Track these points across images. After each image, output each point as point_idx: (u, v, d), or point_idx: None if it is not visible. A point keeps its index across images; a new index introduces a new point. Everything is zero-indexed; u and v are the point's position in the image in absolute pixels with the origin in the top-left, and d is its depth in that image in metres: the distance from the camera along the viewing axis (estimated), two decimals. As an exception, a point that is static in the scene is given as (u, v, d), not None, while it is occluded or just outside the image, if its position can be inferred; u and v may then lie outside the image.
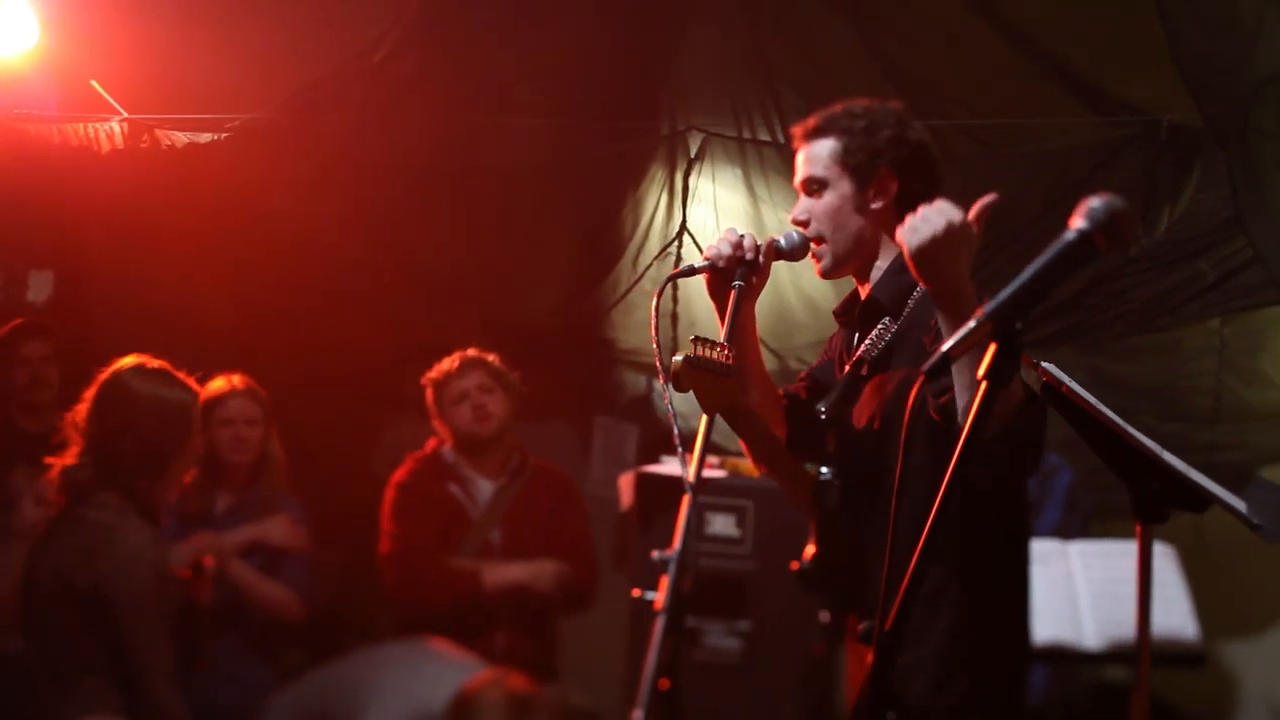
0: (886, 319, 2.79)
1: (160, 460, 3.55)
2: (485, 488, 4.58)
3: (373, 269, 5.57)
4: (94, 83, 5.30)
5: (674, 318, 5.52)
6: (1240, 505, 2.23)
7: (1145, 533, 2.28)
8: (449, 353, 4.77)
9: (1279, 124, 3.99)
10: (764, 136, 4.96)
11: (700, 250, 5.26)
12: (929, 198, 2.60)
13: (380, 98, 5.21)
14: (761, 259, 2.74)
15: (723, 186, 5.16)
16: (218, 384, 4.61)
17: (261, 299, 5.85)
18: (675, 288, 5.39)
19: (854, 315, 2.87)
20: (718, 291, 2.76)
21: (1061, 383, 2.25)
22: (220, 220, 5.43)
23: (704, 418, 2.50)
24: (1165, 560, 4.40)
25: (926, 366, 1.96)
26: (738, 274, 2.70)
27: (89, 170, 5.44)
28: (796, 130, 2.87)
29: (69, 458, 3.52)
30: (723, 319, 2.70)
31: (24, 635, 3.58)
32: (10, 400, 4.90)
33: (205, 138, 5.38)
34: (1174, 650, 4.23)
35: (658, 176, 5.18)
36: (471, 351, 4.61)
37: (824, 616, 3.33)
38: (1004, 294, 1.91)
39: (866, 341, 2.80)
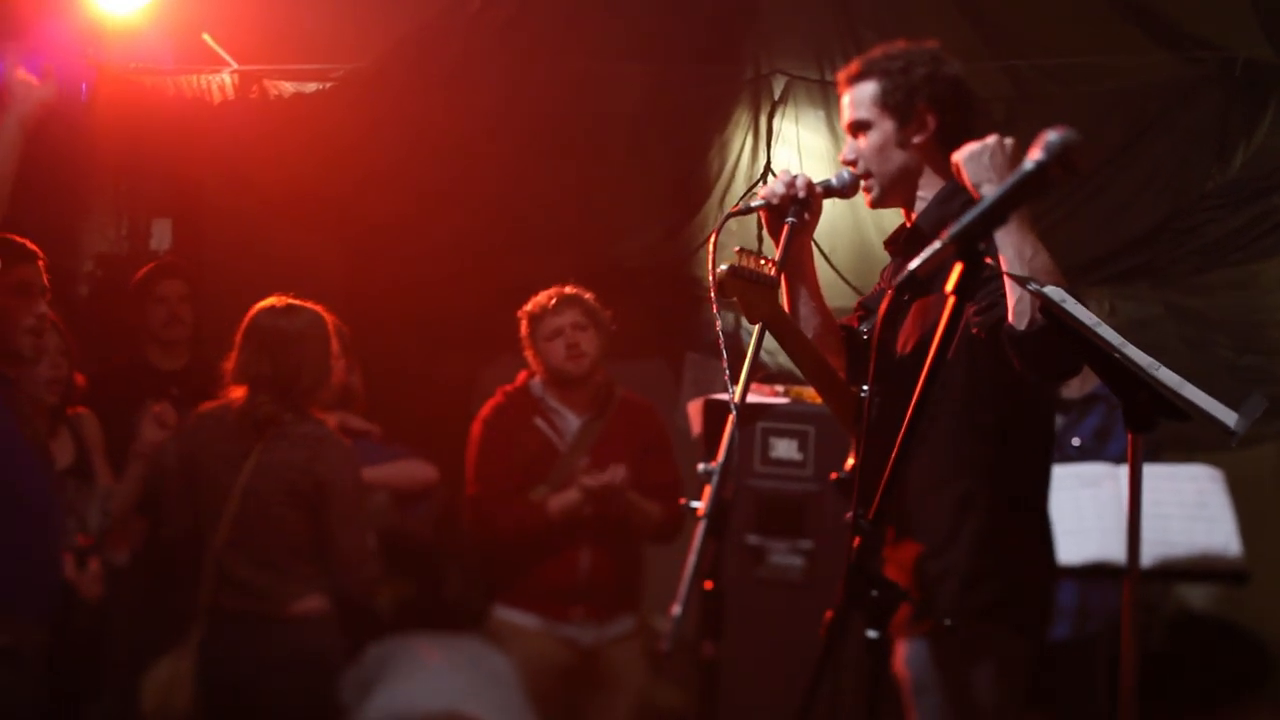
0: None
1: (320, 382, 4.09)
2: (573, 421, 4.68)
3: (471, 212, 5.71)
4: (206, 36, 5.54)
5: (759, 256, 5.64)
6: (1221, 413, 2.37)
7: (1135, 441, 2.43)
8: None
9: (1354, 59, 4.04)
10: (846, 79, 5.07)
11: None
12: (967, 129, 2.78)
13: (477, 46, 5.38)
14: (813, 197, 2.91)
15: (806, 129, 5.27)
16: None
17: (365, 243, 6.05)
18: (761, 229, 5.51)
19: (900, 244, 3.04)
20: (774, 228, 2.93)
21: (1057, 305, 2.39)
22: (326, 166, 5.60)
23: (754, 338, 2.68)
24: (1212, 483, 4.48)
25: (896, 282, 2.14)
26: (791, 211, 2.88)
27: (202, 121, 5.66)
28: (840, 76, 3.04)
29: (238, 395, 4.02)
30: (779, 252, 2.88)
31: (236, 538, 4.00)
32: (147, 337, 5.12)
33: (311, 87, 5.59)
34: (1218, 566, 4.34)
35: (743, 120, 5.29)
36: (568, 288, 4.67)
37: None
38: (967, 217, 2.09)
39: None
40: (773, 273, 2.73)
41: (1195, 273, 5.10)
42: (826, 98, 5.15)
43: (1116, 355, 2.35)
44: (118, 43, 5.81)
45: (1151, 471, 4.42)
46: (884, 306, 2.76)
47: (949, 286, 2.09)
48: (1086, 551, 4.16)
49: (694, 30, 5.21)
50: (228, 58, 5.66)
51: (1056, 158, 2.09)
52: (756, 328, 2.72)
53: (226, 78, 5.64)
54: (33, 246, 3.65)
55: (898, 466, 2.12)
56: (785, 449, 4.79)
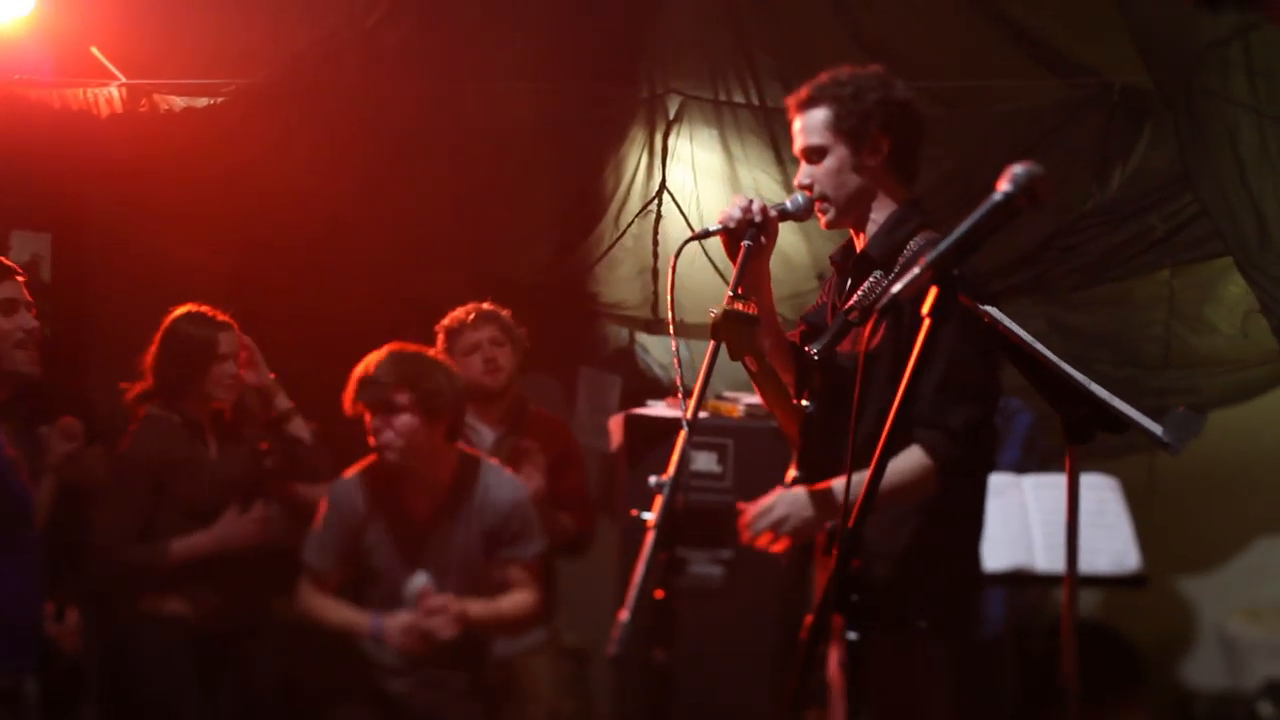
0: (878, 271, 3.06)
1: (186, 381, 4.27)
2: (487, 435, 4.74)
3: (366, 229, 5.71)
4: (94, 49, 5.46)
5: (654, 272, 5.73)
6: (1152, 426, 2.51)
7: (1073, 454, 2.57)
8: (440, 311, 4.95)
9: (1223, 85, 4.20)
10: (739, 99, 5.15)
11: (679, 208, 5.50)
12: (917, 150, 2.92)
13: (372, 62, 5.39)
14: (768, 220, 3.03)
15: (700, 147, 5.35)
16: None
17: (258, 259, 6.01)
18: (656, 246, 5.62)
19: (848, 265, 3.15)
20: (733, 250, 3.04)
21: (1001, 324, 2.52)
22: (217, 182, 5.56)
23: (705, 363, 2.79)
24: (1109, 490, 4.69)
25: (880, 305, 2.26)
26: (747, 234, 2.99)
27: (89, 134, 5.59)
28: (790, 102, 3.15)
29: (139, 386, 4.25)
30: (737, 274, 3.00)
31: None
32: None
33: (202, 102, 5.53)
34: (1116, 572, 4.54)
35: (638, 138, 5.36)
36: (486, 305, 4.74)
37: None
38: (942, 245, 2.25)
39: (859, 291, 3.08)
40: (754, 311, 2.85)
41: (1076, 289, 5.27)
42: (720, 117, 5.24)
43: (1060, 372, 2.48)
44: (-1, 54, 5.73)
45: (1053, 481, 4.61)
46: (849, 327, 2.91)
47: (925, 309, 2.24)
48: (997, 560, 4.31)
49: (590, 50, 5.26)
50: (115, 70, 5.59)
51: (1022, 189, 2.24)
52: (710, 348, 2.81)
53: (114, 91, 5.58)
54: (9, 263, 3.69)
55: (875, 478, 2.22)
56: (705, 462, 4.89)
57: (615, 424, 5.22)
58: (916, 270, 2.24)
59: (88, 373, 6.10)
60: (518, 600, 4.34)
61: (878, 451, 2.29)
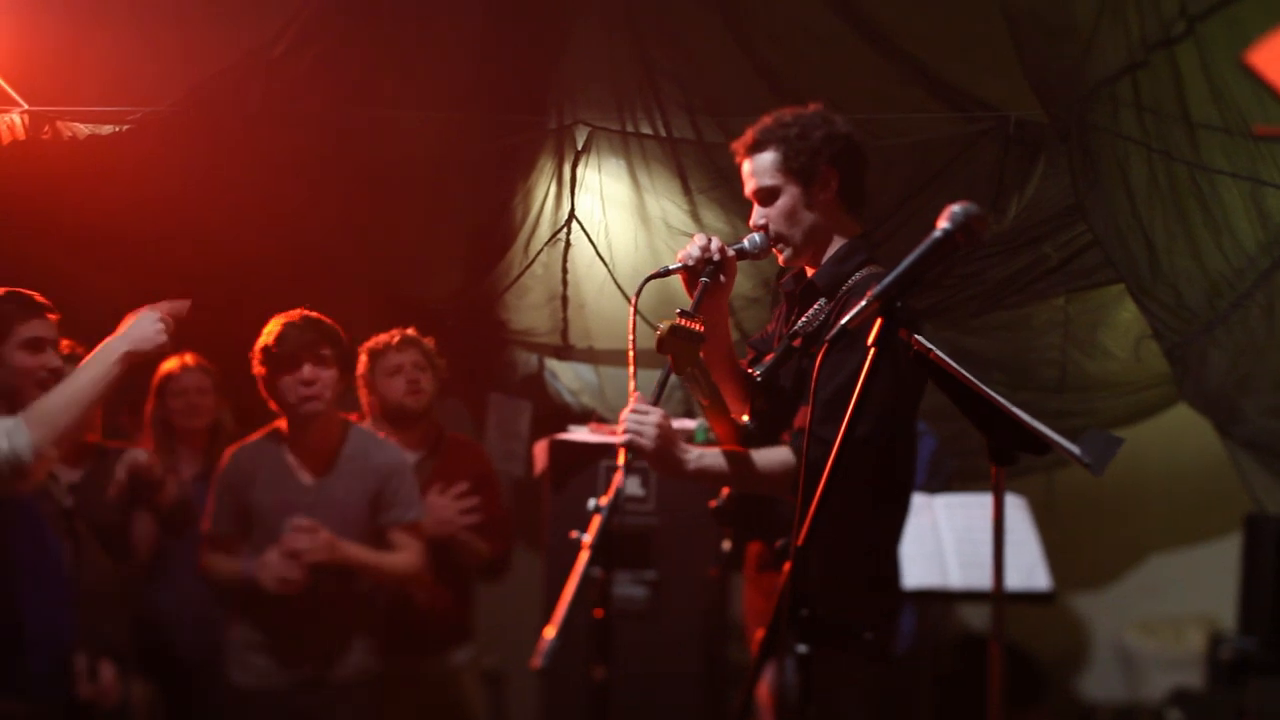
0: (823, 299, 3.16)
1: None
2: (406, 458, 4.80)
3: (273, 258, 5.70)
4: (-7, 75, 5.43)
5: (564, 300, 5.79)
6: (1072, 448, 2.62)
7: (999, 474, 2.68)
8: (353, 337, 4.96)
9: (1112, 121, 4.35)
10: (646, 130, 5.24)
11: (588, 236, 5.57)
12: (863, 182, 3.03)
13: (278, 92, 5.39)
14: (726, 260, 3.12)
15: (608, 176, 5.41)
16: (171, 363, 4.86)
17: (164, 287, 5.91)
18: (566, 274, 5.67)
19: (795, 293, 3.24)
20: (692, 287, 3.13)
21: (929, 350, 2.62)
22: (122, 210, 5.52)
23: (659, 380, 2.95)
24: (1017, 510, 4.82)
25: (829, 335, 2.42)
26: (705, 272, 3.08)
27: (-10, 160, 5.57)
28: (737, 146, 3.23)
29: None
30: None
31: None
32: None
33: (107, 129, 5.50)
34: (1026, 588, 4.67)
35: (546, 168, 5.41)
36: (410, 331, 4.83)
37: (725, 545, 3.75)
38: (888, 279, 2.43)
39: (804, 318, 3.18)
40: (700, 328, 2.97)
41: (976, 315, 5.40)
42: (628, 147, 5.31)
43: (985, 397, 2.58)
44: (-107, 81, 5.65)
45: (963, 500, 4.73)
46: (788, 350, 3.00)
47: (870, 339, 2.41)
48: (914, 578, 4.42)
49: (499, 80, 5.32)
50: (17, 97, 5.55)
51: (960, 227, 2.39)
52: (660, 374, 2.97)
53: (16, 118, 5.53)
54: (42, 300, 3.70)
55: (824, 498, 2.31)
56: (629, 486, 4.96)
57: (539, 450, 5.28)
58: (863, 303, 2.41)
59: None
60: (399, 559, 4.38)
61: (827, 469, 2.44)
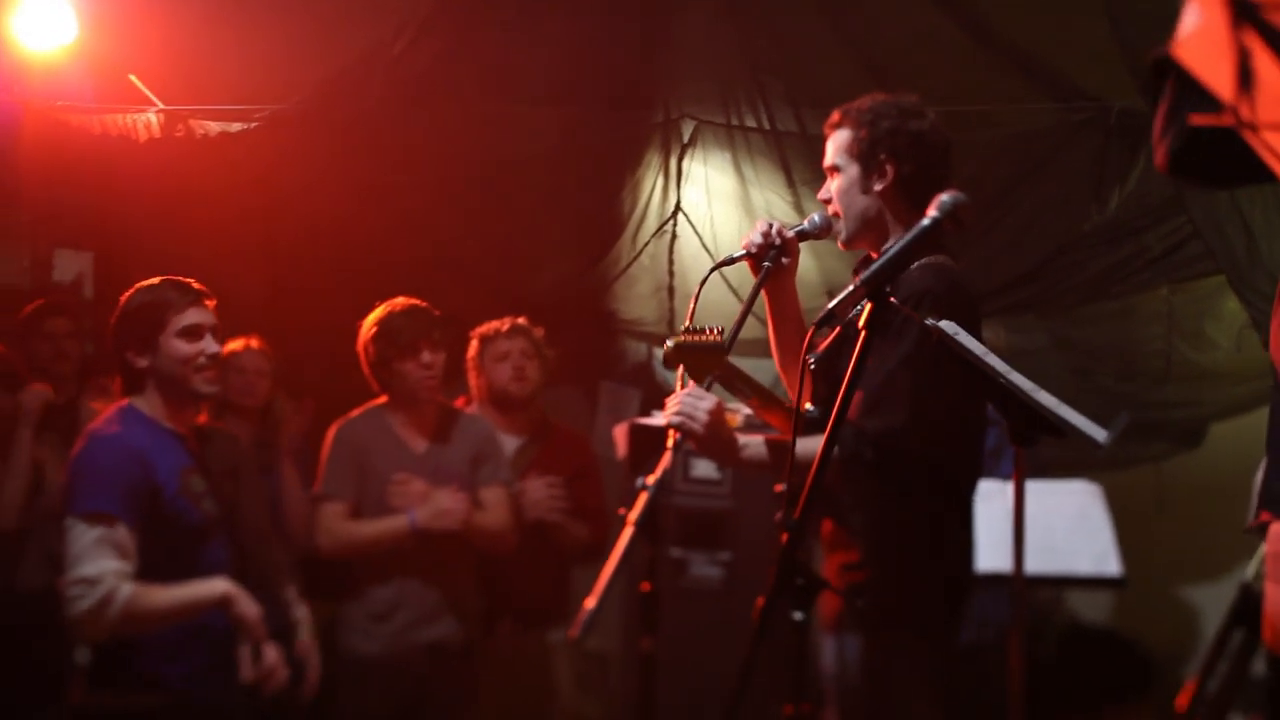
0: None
1: None
2: (509, 443, 4.93)
3: (391, 249, 5.90)
4: (132, 76, 5.66)
5: (670, 290, 5.91)
6: (1089, 429, 2.67)
7: (1019, 456, 2.75)
8: (464, 327, 5.15)
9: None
10: (750, 123, 5.33)
11: (694, 228, 5.68)
12: (930, 180, 3.09)
13: (398, 88, 5.58)
14: (787, 242, 3.20)
15: (713, 169, 5.52)
16: (235, 343, 5.07)
17: (289, 278, 6.18)
18: (672, 264, 5.80)
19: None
20: (758, 272, 3.20)
21: (949, 337, 2.70)
22: (251, 204, 5.78)
23: (677, 377, 3.03)
24: (1091, 497, 4.82)
25: (816, 321, 2.53)
26: (768, 256, 3.17)
27: (128, 158, 5.79)
28: (827, 122, 3.30)
29: None
30: (768, 299, 3.25)
31: None
32: (35, 372, 5.13)
33: (236, 127, 5.73)
34: (1096, 573, 4.69)
35: (653, 161, 5.54)
36: (521, 320, 4.95)
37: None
38: (876, 264, 2.48)
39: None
40: (717, 337, 3.01)
41: (1078, 305, 5.40)
42: (732, 141, 5.41)
43: (1002, 380, 2.65)
44: (40, 80, 5.94)
45: (1038, 487, 4.76)
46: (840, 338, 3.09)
47: (861, 322, 2.45)
48: (982, 563, 4.46)
49: (607, 76, 5.44)
50: (153, 97, 5.80)
51: (948, 215, 2.48)
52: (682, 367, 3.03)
53: (152, 117, 5.77)
54: (200, 287, 3.72)
55: (819, 473, 2.40)
56: (705, 469, 5.10)
57: (620, 434, 5.38)
58: (851, 288, 2.50)
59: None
60: (490, 517, 4.58)
61: (820, 449, 2.48)
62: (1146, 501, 5.29)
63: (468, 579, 4.62)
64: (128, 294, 3.71)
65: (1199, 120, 1.60)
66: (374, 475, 4.54)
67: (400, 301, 4.55)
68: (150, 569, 3.49)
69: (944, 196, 2.56)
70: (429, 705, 4.53)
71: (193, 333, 3.64)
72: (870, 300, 2.45)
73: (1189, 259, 5.02)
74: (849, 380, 2.47)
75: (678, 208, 5.61)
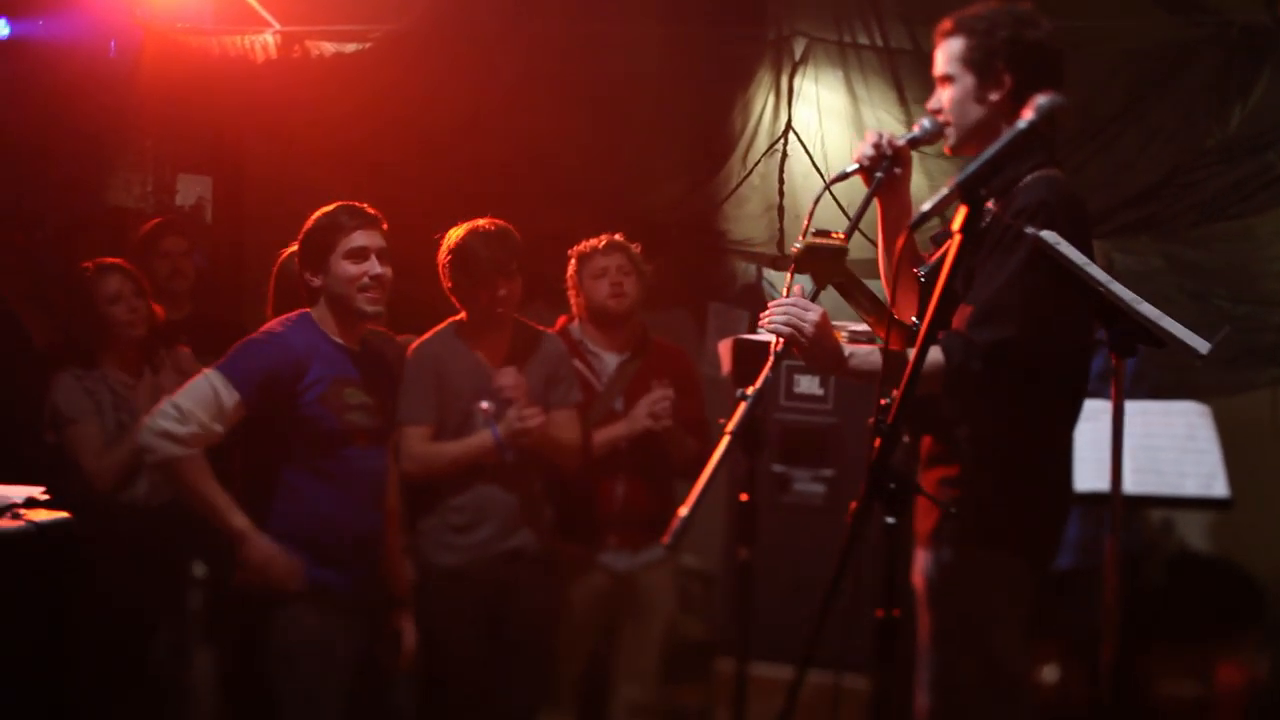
0: (993, 200, 3.17)
1: None
2: (610, 361, 4.94)
3: (502, 168, 5.92)
4: (250, -2, 5.79)
5: (780, 210, 5.89)
6: (1191, 339, 2.64)
7: (1119, 365, 2.75)
8: (573, 244, 5.18)
9: (1343, 22, 4.24)
10: (863, 41, 5.27)
11: (804, 148, 5.65)
12: (1044, 90, 3.05)
13: (508, 8, 5.63)
14: (898, 151, 3.20)
15: (825, 88, 5.47)
16: None
17: (401, 198, 6.20)
18: (782, 184, 5.77)
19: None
20: (872, 184, 3.20)
21: (1050, 246, 2.67)
22: (366, 124, 5.84)
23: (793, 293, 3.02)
24: (1199, 416, 4.75)
25: (911, 222, 2.49)
26: (880, 167, 3.16)
27: (246, 80, 5.91)
28: (937, 29, 3.28)
29: None
30: (881, 211, 3.23)
31: None
32: (152, 290, 5.15)
33: (351, 48, 5.83)
34: (1203, 495, 4.63)
35: (764, 79, 5.49)
36: (618, 236, 4.94)
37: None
38: (970, 167, 2.41)
39: None
40: (842, 241, 3.01)
41: (1194, 226, 5.28)
42: (845, 59, 5.36)
43: (1101, 289, 2.63)
44: (160, 3, 6.06)
45: (1144, 407, 4.71)
46: (947, 250, 3.06)
47: (955, 225, 2.41)
48: (1084, 482, 4.43)
49: (719, -7, 5.43)
50: (270, 18, 5.90)
51: (1045, 116, 2.44)
52: (788, 277, 3.04)
53: (269, 38, 5.89)
54: (372, 211, 3.94)
55: (911, 380, 2.39)
56: (808, 385, 5.09)
57: (724, 349, 5.37)
58: (945, 190, 2.41)
59: (242, 309, 6.43)
60: (567, 435, 4.63)
61: (913, 356, 2.48)
62: (1262, 427, 5.20)
63: (540, 488, 4.67)
64: (310, 219, 3.94)
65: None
66: (453, 396, 4.58)
67: (483, 224, 4.54)
68: (289, 458, 3.85)
69: (1040, 98, 2.49)
70: (514, 615, 4.58)
71: (359, 254, 3.85)
72: (965, 204, 2.40)
73: (1314, 177, 4.91)
74: (944, 285, 2.44)
75: (789, 126, 5.58)
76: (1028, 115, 2.48)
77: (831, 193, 5.43)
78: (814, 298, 3.04)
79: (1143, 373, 5.08)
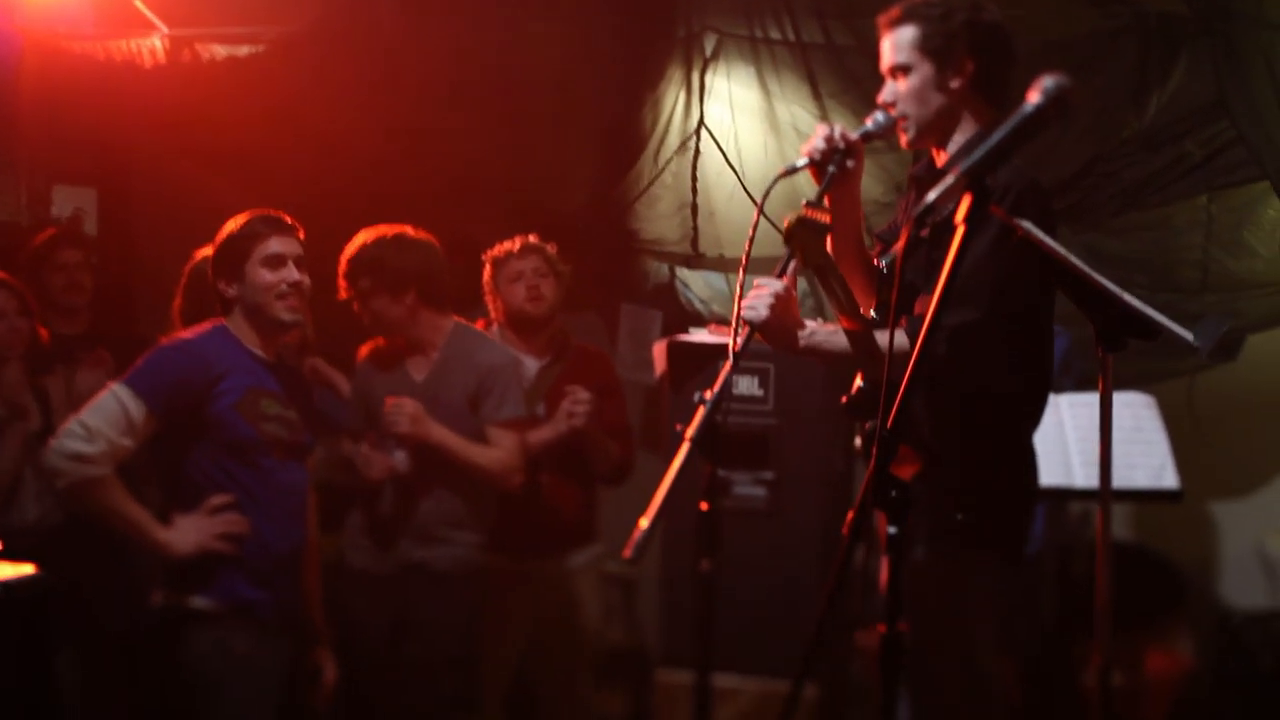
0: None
1: None
2: (530, 365, 4.87)
3: (405, 172, 5.79)
4: (136, 0, 5.55)
5: (694, 208, 5.79)
6: (1182, 331, 2.58)
7: (1106, 360, 2.64)
8: (480, 249, 5.05)
9: (1259, 10, 4.23)
10: (775, 36, 5.17)
11: (717, 144, 5.55)
12: (1003, 74, 2.96)
13: (407, 8, 5.46)
14: (851, 145, 3.09)
15: (737, 84, 5.38)
16: None
17: (298, 205, 6.05)
18: (695, 182, 5.67)
19: (926, 181, 3.20)
20: (822, 179, 3.09)
21: (1034, 236, 2.59)
22: (261, 128, 5.66)
23: (790, 270, 2.96)
24: (1147, 409, 4.75)
25: (915, 213, 2.33)
26: (832, 161, 3.06)
27: (134, 86, 5.67)
28: (881, 20, 3.18)
29: None
30: (831, 206, 3.10)
31: None
32: (46, 304, 5.08)
33: (244, 51, 5.61)
34: (1154, 487, 4.62)
35: (675, 76, 5.39)
36: (532, 238, 4.87)
37: (857, 441, 3.75)
38: (976, 154, 2.30)
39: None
40: (828, 220, 2.94)
41: (1114, 215, 5.29)
42: (757, 54, 5.27)
43: (1092, 280, 2.55)
44: (40, 6, 5.80)
45: (1086, 399, 4.68)
46: (903, 241, 2.96)
47: (959, 217, 2.30)
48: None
49: (627, -9, 5.32)
50: (158, 22, 5.66)
51: (1052, 100, 2.29)
52: (739, 274, 2.94)
53: (157, 42, 5.65)
54: (287, 219, 3.90)
55: (912, 382, 2.30)
56: (746, 385, 4.98)
57: (659, 351, 5.29)
58: (951, 179, 2.29)
59: (137, 322, 6.21)
60: (490, 453, 4.49)
61: (915, 351, 2.36)
62: (1180, 416, 5.21)
63: (463, 498, 4.55)
64: (224, 227, 3.89)
65: None
66: (375, 403, 4.52)
67: (390, 228, 4.56)
68: (200, 471, 3.75)
69: (1046, 80, 2.34)
70: (414, 626, 4.47)
71: (275, 261, 3.79)
72: (970, 193, 2.29)
73: (1231, 165, 4.90)
74: (946, 280, 2.34)
75: (700, 123, 5.48)
76: (1034, 98, 2.34)
77: (748, 191, 5.43)
78: (782, 272, 2.95)
79: (1068, 363, 5.07)
